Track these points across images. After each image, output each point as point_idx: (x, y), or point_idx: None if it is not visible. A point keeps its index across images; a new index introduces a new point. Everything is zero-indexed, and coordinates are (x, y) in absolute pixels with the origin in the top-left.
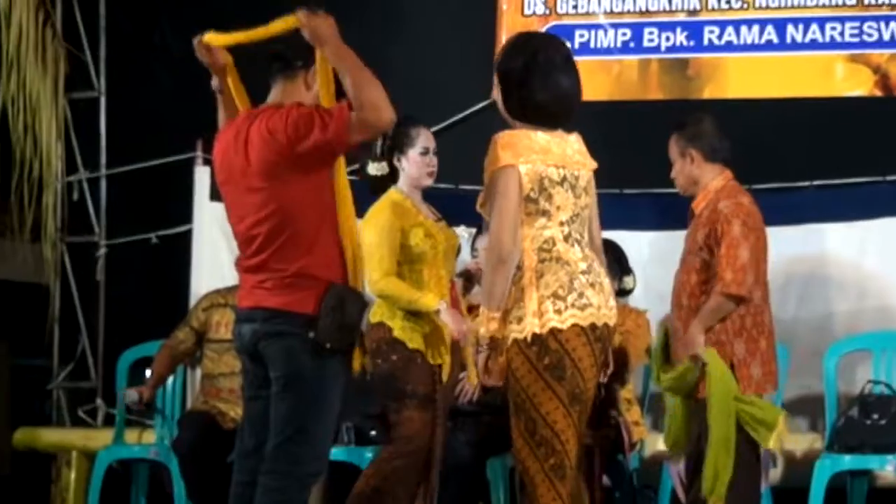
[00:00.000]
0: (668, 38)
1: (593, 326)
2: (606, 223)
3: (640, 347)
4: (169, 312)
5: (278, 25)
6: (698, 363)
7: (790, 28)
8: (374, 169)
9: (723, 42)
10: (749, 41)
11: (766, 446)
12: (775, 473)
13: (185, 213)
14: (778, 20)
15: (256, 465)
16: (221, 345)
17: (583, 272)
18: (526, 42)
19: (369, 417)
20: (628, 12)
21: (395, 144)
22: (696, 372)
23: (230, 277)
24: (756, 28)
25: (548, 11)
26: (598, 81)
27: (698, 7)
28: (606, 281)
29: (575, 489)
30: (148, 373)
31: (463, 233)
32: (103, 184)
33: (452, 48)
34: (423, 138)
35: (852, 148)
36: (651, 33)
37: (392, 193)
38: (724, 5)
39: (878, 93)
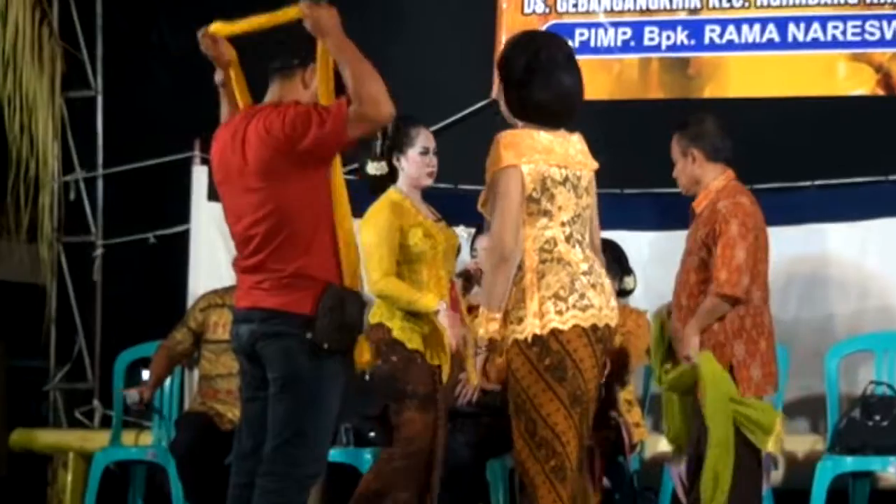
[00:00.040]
0: (668, 37)
1: (594, 327)
2: (607, 223)
3: (641, 348)
4: (166, 313)
5: (281, 15)
6: (690, 363)
7: (792, 27)
8: (374, 168)
9: (724, 41)
10: (750, 40)
11: (764, 450)
12: (777, 475)
13: (182, 212)
14: (779, 19)
15: (254, 467)
16: (219, 345)
17: (584, 273)
18: (528, 41)
19: (368, 419)
20: (629, 11)
21: (395, 144)
22: (693, 373)
23: (228, 278)
24: (757, 27)
25: (548, 10)
26: (598, 80)
27: (699, 6)
28: (607, 282)
29: (580, 490)
30: (145, 374)
31: (462, 233)
32: (100, 183)
33: (452, 47)
34: (423, 138)
35: (854, 147)
36: (652, 32)
37: (391, 193)
38: (725, 4)
39: (881, 92)
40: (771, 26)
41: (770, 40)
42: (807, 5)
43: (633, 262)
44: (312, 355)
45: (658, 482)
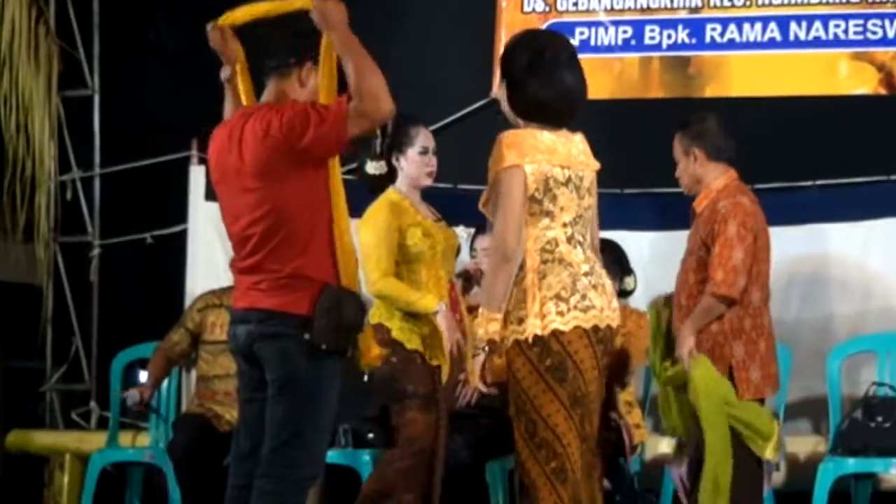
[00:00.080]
0: (669, 36)
1: (596, 328)
2: (607, 223)
3: (641, 349)
4: (163, 313)
5: (289, 4)
6: (684, 363)
7: (793, 25)
8: (373, 168)
9: (725, 40)
10: (752, 39)
11: (763, 457)
12: (778, 477)
13: (179, 212)
14: (781, 17)
15: (252, 469)
16: (216, 346)
17: (585, 274)
18: (531, 39)
19: (367, 420)
20: (629, 9)
21: (394, 144)
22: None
23: (225, 278)
24: (759, 26)
25: (548, 9)
26: (598, 79)
27: (700, 4)
28: (608, 283)
29: (589, 496)
30: (142, 375)
31: (462, 233)
32: (97, 183)
33: (452, 46)
34: (423, 138)
35: (856, 147)
36: (652, 31)
37: (390, 193)
38: (726, 3)
39: (883, 91)
40: (772, 25)
41: (771, 39)
42: (808, 4)
43: (633, 262)
44: (310, 356)
45: (659, 484)
